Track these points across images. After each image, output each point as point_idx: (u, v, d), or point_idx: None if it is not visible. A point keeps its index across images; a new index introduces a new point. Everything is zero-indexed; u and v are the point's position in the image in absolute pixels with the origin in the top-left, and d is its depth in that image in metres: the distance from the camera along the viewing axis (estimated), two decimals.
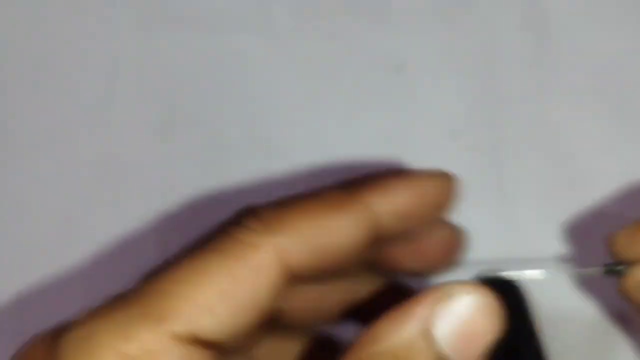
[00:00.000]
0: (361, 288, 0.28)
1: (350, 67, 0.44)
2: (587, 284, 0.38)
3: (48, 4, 0.45)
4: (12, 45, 0.45)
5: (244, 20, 0.44)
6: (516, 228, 0.39)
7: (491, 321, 0.22)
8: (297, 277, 0.24)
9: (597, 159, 0.45)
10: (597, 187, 0.44)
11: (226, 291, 0.22)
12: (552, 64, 0.45)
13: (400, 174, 0.26)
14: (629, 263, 0.27)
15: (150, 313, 0.21)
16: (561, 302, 0.39)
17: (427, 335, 0.21)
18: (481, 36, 0.44)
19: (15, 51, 0.45)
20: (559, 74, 0.45)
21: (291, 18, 0.44)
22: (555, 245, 0.43)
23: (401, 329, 0.21)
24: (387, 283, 0.29)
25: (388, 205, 0.25)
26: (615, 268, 0.27)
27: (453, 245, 0.27)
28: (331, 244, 0.24)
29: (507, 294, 0.26)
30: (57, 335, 0.21)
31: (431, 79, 0.44)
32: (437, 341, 0.21)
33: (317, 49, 0.44)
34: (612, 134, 0.44)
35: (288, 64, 0.44)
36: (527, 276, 0.27)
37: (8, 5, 0.45)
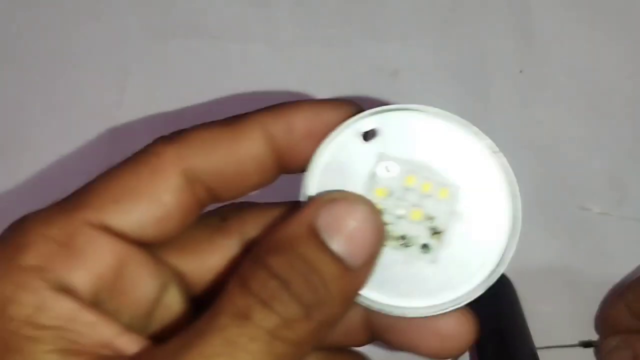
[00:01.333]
0: None
1: (347, 73, 0.46)
2: None
3: (61, 13, 0.46)
4: (26, 54, 0.46)
5: (249, 30, 0.46)
6: None
7: (372, 225, 0.26)
8: (206, 187, 0.28)
9: (581, 157, 0.47)
10: (582, 185, 0.47)
11: (131, 186, 0.26)
12: (538, 68, 0.47)
13: (299, 102, 0.29)
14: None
15: (67, 206, 0.26)
16: None
17: (310, 228, 0.26)
18: (471, 43, 0.46)
19: (29, 59, 0.46)
20: (545, 78, 0.47)
21: (293, 27, 0.46)
22: (543, 245, 0.45)
23: (289, 225, 0.26)
24: None
25: (282, 124, 0.28)
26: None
27: (467, 330, 0.29)
28: (227, 153, 0.28)
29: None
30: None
31: (423, 83, 0.46)
32: (320, 234, 0.25)
33: (317, 57, 0.46)
34: (595, 134, 0.47)
35: (290, 70, 0.46)
36: None
37: (22, 15, 0.46)
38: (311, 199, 0.28)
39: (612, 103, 0.47)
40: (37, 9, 0.46)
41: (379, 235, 0.27)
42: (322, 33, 0.46)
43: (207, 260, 0.29)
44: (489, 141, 0.28)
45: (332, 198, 0.27)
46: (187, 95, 0.45)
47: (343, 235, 0.26)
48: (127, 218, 0.26)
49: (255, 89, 0.45)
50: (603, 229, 0.45)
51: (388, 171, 0.29)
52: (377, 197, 0.29)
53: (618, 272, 0.46)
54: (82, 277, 0.25)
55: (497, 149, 0.28)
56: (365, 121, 0.29)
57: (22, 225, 0.26)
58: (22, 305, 0.24)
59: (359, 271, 0.26)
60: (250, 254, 0.26)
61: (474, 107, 0.46)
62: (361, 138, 0.29)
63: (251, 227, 0.30)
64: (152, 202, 0.26)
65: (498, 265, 0.29)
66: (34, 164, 0.45)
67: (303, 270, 0.25)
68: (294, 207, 0.29)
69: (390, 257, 0.29)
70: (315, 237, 0.25)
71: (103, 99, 0.46)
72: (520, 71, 0.47)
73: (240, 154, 0.28)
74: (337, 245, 0.25)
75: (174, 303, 0.29)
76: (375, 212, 0.27)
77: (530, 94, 0.47)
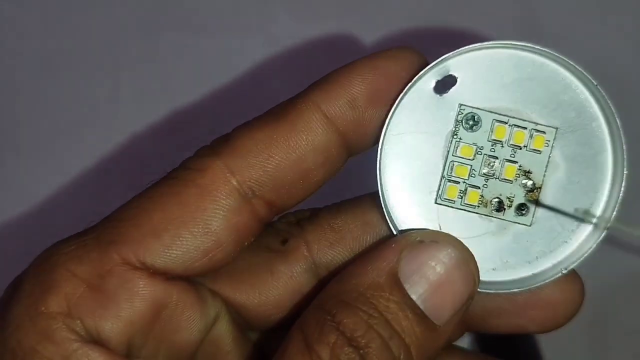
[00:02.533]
0: None
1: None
2: None
3: (53, 8, 0.44)
4: (20, 48, 0.44)
5: (244, 23, 0.43)
6: None
7: (463, 273, 0.22)
8: (266, 201, 0.23)
9: None
10: None
11: (173, 215, 0.22)
12: None
13: (351, 65, 0.24)
14: None
15: (101, 238, 0.22)
16: None
17: (391, 276, 0.21)
18: (474, 38, 0.45)
19: (23, 53, 0.44)
20: None
21: (290, 20, 0.43)
22: None
23: (368, 270, 0.22)
24: None
25: (342, 98, 0.23)
26: None
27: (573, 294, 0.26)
28: (287, 153, 0.23)
29: None
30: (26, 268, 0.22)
31: None
32: (402, 284, 0.22)
33: (314, 50, 0.43)
34: None
35: (287, 64, 0.43)
36: None
37: (16, 9, 0.44)
38: (392, 239, 0.23)
39: (621, 99, 0.45)
40: (29, 4, 0.44)
41: (470, 286, 0.23)
42: (320, 26, 0.43)
43: (268, 293, 0.25)
44: (585, 72, 0.24)
45: (418, 240, 0.22)
46: (182, 90, 0.43)
47: (430, 287, 0.22)
48: (169, 253, 0.22)
49: (252, 84, 0.43)
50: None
51: (472, 125, 0.24)
52: (462, 158, 0.24)
53: None
54: (113, 325, 0.21)
55: (594, 81, 0.24)
56: (434, 71, 0.24)
57: (49, 261, 0.21)
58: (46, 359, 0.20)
59: (444, 327, 0.22)
60: (317, 300, 0.22)
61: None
62: (434, 92, 0.24)
63: (317, 248, 0.25)
64: (199, 232, 0.22)
65: (602, 216, 0.25)
66: (27, 163, 0.43)
67: (383, 331, 0.21)
68: (360, 214, 0.25)
69: (482, 227, 0.24)
70: (399, 288, 0.21)
71: (96, 94, 0.43)
72: None
73: (301, 151, 0.23)
74: (422, 298, 0.21)
75: (224, 336, 0.24)
76: (467, 256, 0.23)
77: None
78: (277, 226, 0.26)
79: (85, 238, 0.22)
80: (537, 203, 0.24)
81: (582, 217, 0.24)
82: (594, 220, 0.24)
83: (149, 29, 0.43)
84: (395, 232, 0.24)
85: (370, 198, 0.26)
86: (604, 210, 0.24)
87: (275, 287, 0.24)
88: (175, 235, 0.22)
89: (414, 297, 0.21)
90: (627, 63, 0.45)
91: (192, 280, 0.23)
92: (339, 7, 0.44)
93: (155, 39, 0.43)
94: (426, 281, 0.22)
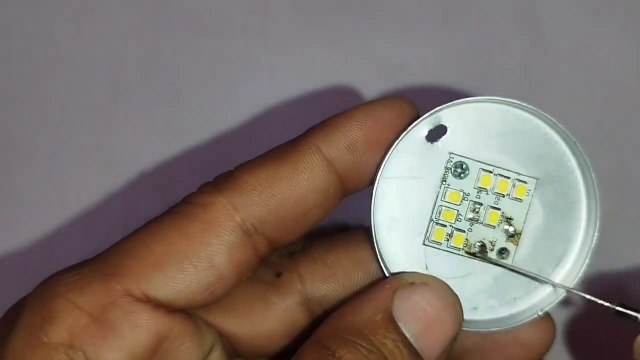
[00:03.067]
0: None
1: (348, 69, 0.44)
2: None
3: (54, 8, 0.43)
4: (21, 48, 0.43)
5: (246, 24, 0.43)
6: None
7: (451, 314, 0.24)
8: (266, 238, 0.24)
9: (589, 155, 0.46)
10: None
11: (176, 248, 0.22)
12: (545, 65, 0.46)
13: (350, 111, 0.25)
14: None
15: (104, 270, 0.22)
16: None
17: (386, 315, 0.23)
18: (476, 38, 0.45)
19: (24, 54, 0.43)
20: (553, 74, 0.46)
21: (292, 22, 0.43)
22: None
23: (364, 308, 0.23)
24: None
25: (342, 141, 0.24)
26: (629, 313, 0.26)
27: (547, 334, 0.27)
28: (288, 192, 0.24)
29: None
30: (26, 295, 0.22)
31: (427, 80, 0.44)
32: (396, 322, 0.23)
33: (317, 52, 0.43)
34: (603, 132, 0.46)
35: (289, 66, 0.43)
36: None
37: (17, 9, 0.43)
38: (385, 280, 0.25)
39: (621, 100, 0.46)
40: (29, 4, 0.43)
41: (457, 326, 0.24)
42: (322, 27, 0.43)
43: (262, 324, 0.25)
44: (564, 129, 0.26)
45: (410, 282, 0.24)
46: (183, 92, 0.43)
47: (422, 326, 0.23)
48: (172, 287, 0.22)
49: (253, 86, 0.42)
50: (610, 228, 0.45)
51: (460, 172, 0.26)
52: (450, 203, 0.26)
53: None
54: (115, 357, 0.21)
55: (573, 137, 0.26)
56: (427, 121, 0.26)
57: (50, 291, 0.22)
58: None
59: None
60: (315, 336, 0.23)
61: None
62: (425, 140, 0.26)
63: (310, 283, 0.26)
64: (202, 266, 0.22)
65: (576, 261, 0.26)
66: (27, 164, 0.42)
67: None
68: (352, 250, 0.26)
69: (466, 268, 0.26)
70: (394, 327, 0.23)
71: (97, 96, 0.43)
72: (526, 66, 0.46)
73: (303, 190, 0.24)
74: (415, 337, 0.23)
75: None
76: (454, 299, 0.24)
77: (536, 90, 0.46)
78: (269, 258, 0.26)
79: (87, 269, 0.22)
80: (515, 248, 0.26)
81: (548, 282, 0.26)
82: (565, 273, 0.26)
83: (150, 31, 0.44)
84: (387, 274, 0.25)
85: (361, 233, 0.27)
86: (576, 261, 0.26)
87: (268, 319, 0.25)
88: (178, 268, 0.22)
89: (407, 335, 0.23)
90: (629, 66, 0.45)
91: (189, 311, 0.23)
92: (343, 8, 0.44)
93: (157, 40, 0.43)
94: (418, 321, 0.23)
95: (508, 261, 0.26)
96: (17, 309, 0.22)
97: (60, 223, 0.41)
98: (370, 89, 0.43)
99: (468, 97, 0.26)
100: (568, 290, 0.26)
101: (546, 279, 0.26)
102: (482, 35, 0.45)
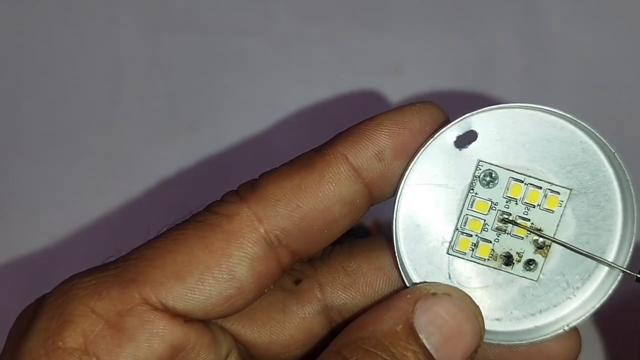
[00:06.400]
0: None
1: (349, 69, 0.43)
2: None
3: (55, 7, 0.44)
4: (23, 48, 0.44)
5: (246, 24, 0.43)
6: None
7: (472, 325, 0.23)
8: (290, 250, 0.23)
9: None
10: None
11: (198, 259, 0.22)
12: (543, 64, 0.45)
13: (377, 118, 0.24)
14: None
15: (123, 275, 0.21)
16: None
17: (407, 326, 0.22)
18: (476, 40, 0.44)
19: (26, 54, 0.44)
20: (551, 74, 0.45)
21: (292, 21, 0.43)
22: None
23: (385, 319, 0.22)
24: None
25: (369, 150, 0.23)
26: None
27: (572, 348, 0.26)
28: (314, 204, 0.23)
29: None
30: (44, 296, 0.22)
31: (427, 80, 0.44)
32: (417, 333, 0.22)
33: (317, 52, 0.43)
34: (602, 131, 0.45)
35: (289, 66, 0.43)
36: None
37: (19, 10, 0.44)
38: (406, 290, 0.24)
39: (619, 99, 0.45)
40: (31, 4, 0.44)
41: (478, 338, 0.24)
42: (322, 27, 0.43)
43: (279, 332, 0.25)
44: (602, 138, 0.24)
45: (432, 292, 0.23)
46: (183, 90, 0.43)
47: (443, 338, 0.23)
48: (191, 297, 0.22)
49: (253, 86, 0.43)
50: None
51: (489, 181, 0.25)
52: (477, 213, 0.25)
53: None
54: None
55: (612, 148, 0.24)
56: (456, 127, 0.24)
57: (68, 295, 0.21)
58: None
59: None
60: (334, 346, 0.22)
61: (478, 105, 0.44)
62: (454, 146, 0.25)
63: (330, 291, 0.25)
64: (223, 278, 0.22)
65: (606, 278, 0.25)
66: (29, 162, 0.43)
67: None
68: (374, 258, 0.25)
69: (490, 278, 0.25)
70: (415, 338, 0.22)
71: (98, 94, 0.43)
72: (526, 67, 0.45)
73: (329, 201, 0.23)
74: (436, 348, 0.22)
75: None
76: (476, 310, 0.24)
77: (536, 90, 0.45)
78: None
79: (105, 274, 0.22)
80: (543, 260, 0.25)
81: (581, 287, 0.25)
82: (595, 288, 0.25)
83: (150, 29, 0.44)
84: (408, 284, 0.25)
85: (382, 239, 0.26)
86: (606, 277, 0.25)
87: (286, 327, 0.25)
88: (199, 279, 0.21)
89: (428, 346, 0.22)
90: (627, 66, 0.45)
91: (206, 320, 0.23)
92: (343, 8, 0.44)
93: (157, 39, 0.43)
94: (440, 332, 0.22)
95: (534, 275, 0.25)
96: (35, 308, 0.22)
97: (60, 223, 0.42)
98: (372, 89, 0.43)
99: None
100: (595, 306, 0.25)
101: (603, 259, 0.25)
102: (482, 36, 0.45)
